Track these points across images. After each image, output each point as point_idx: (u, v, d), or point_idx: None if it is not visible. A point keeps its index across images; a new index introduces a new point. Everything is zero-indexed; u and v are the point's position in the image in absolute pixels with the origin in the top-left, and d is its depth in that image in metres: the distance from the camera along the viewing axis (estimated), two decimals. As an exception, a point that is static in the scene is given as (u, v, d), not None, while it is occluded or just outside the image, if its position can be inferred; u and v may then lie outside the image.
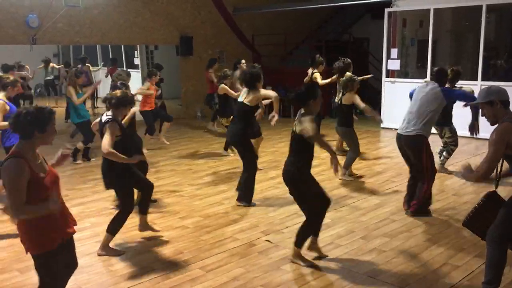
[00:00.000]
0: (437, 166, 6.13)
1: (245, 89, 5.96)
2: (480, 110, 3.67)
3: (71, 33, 11.19)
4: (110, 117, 4.55)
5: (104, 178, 4.65)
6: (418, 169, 5.41)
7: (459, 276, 4.13)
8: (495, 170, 3.56)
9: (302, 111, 4.25)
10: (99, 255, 4.59)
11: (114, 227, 4.63)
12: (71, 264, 3.30)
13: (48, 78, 14.63)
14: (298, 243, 4.36)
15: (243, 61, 10.05)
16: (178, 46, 13.21)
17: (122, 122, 5.02)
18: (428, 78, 10.31)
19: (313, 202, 4.31)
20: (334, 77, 8.65)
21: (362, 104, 6.81)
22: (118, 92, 4.73)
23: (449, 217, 5.55)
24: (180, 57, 13.35)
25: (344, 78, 7.17)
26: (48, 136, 3.01)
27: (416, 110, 5.35)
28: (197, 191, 6.68)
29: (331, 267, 4.35)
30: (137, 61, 16.91)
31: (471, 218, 3.74)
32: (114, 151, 4.34)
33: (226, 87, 8.39)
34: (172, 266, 4.38)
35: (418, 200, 5.51)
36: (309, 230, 4.38)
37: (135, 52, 16.86)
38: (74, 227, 3.25)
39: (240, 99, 5.97)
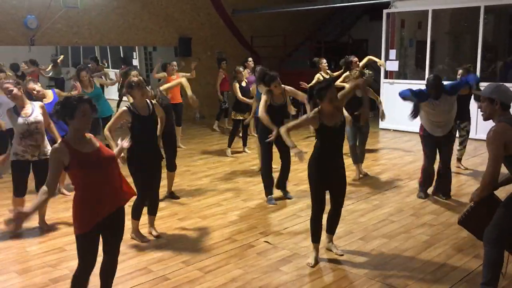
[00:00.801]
0: None
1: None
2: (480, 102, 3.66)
3: (70, 34, 11.19)
4: (126, 105, 4.81)
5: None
6: None
7: (458, 277, 4.13)
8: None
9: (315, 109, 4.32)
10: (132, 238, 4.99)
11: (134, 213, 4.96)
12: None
13: (56, 77, 14.46)
14: (311, 237, 4.48)
15: (250, 58, 10.04)
16: (177, 47, 13.22)
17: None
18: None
19: (311, 194, 4.41)
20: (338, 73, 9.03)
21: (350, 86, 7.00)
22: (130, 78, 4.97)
23: (447, 218, 5.55)
24: (178, 58, 13.34)
25: (353, 72, 7.25)
26: (78, 121, 3.20)
27: None
28: (195, 192, 6.68)
29: (329, 268, 4.35)
30: (135, 62, 16.90)
31: (467, 217, 3.74)
32: (108, 133, 4.74)
33: (237, 87, 8.52)
34: (171, 267, 4.38)
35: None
36: (311, 221, 4.45)
37: (134, 53, 16.85)
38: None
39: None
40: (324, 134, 4.29)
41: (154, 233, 5.11)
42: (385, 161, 8.46)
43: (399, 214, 5.70)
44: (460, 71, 7.17)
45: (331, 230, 4.66)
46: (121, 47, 16.53)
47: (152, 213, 5.14)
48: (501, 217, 3.51)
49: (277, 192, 6.31)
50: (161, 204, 6.12)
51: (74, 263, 4.46)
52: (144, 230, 5.11)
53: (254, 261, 4.49)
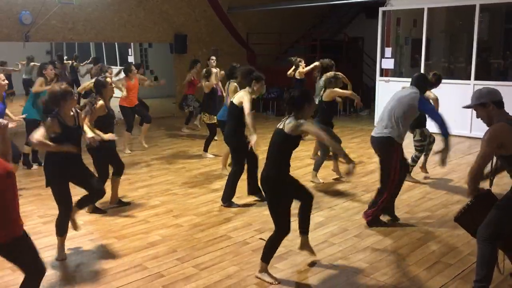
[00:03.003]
0: None
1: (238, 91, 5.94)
2: (475, 113, 3.66)
3: (65, 30, 11.15)
4: (53, 113, 4.34)
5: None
6: (384, 174, 5.11)
7: (452, 274, 4.15)
8: (489, 168, 3.58)
9: (291, 115, 3.95)
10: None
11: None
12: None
13: (26, 77, 13.77)
14: (265, 257, 4.08)
15: (213, 57, 9.71)
16: (172, 44, 13.19)
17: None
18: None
19: (283, 213, 3.99)
20: (316, 63, 8.86)
21: (346, 92, 6.91)
22: (55, 87, 4.40)
23: (441, 216, 5.58)
24: (174, 55, 13.33)
25: (328, 74, 7.04)
26: None
27: (388, 112, 5.07)
28: (190, 190, 6.67)
29: (324, 265, 4.36)
30: (131, 59, 16.85)
31: (463, 214, 3.76)
32: (42, 140, 4.15)
33: (209, 86, 8.48)
34: (166, 264, 4.37)
35: (374, 210, 5.21)
36: (277, 242, 4.05)
37: (129, 50, 16.81)
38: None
39: (231, 99, 5.93)
40: (295, 143, 3.96)
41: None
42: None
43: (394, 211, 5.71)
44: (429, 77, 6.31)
45: (306, 230, 4.38)
46: (116, 44, 16.51)
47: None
48: (496, 215, 3.53)
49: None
50: (156, 201, 6.14)
51: (68, 260, 4.47)
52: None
53: (249, 258, 4.49)
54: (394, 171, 5.02)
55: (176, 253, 4.62)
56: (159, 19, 12.67)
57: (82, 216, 5.60)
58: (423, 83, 5.30)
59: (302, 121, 3.86)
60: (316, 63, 8.84)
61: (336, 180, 7.05)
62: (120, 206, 5.90)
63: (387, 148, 5.03)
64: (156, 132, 10.87)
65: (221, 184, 6.89)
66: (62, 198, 4.40)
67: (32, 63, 13.75)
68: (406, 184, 6.78)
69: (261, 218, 5.56)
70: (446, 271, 4.21)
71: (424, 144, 6.74)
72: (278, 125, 4.00)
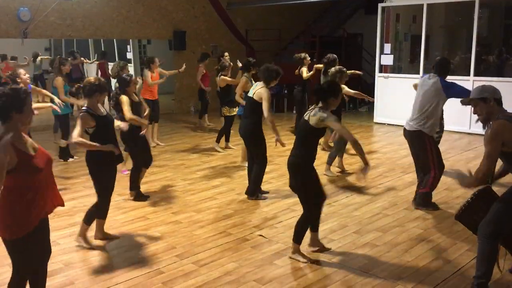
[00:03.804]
0: None
1: (255, 84, 5.97)
2: (472, 108, 3.65)
3: (63, 26, 11.11)
4: (84, 108, 4.49)
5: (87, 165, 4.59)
6: (425, 162, 5.45)
7: (451, 270, 4.15)
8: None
9: (320, 104, 4.18)
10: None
11: (89, 218, 4.69)
12: (45, 249, 3.23)
13: (36, 72, 14.03)
14: (297, 238, 4.35)
15: (226, 53, 10.07)
16: (171, 40, 13.16)
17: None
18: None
19: (310, 196, 4.30)
20: (313, 72, 9.21)
21: (351, 91, 6.94)
22: (91, 79, 4.62)
23: (441, 212, 5.58)
24: (173, 52, 13.30)
25: (333, 69, 7.01)
26: (26, 116, 2.97)
27: (417, 105, 5.43)
28: (190, 186, 6.67)
29: (324, 261, 4.36)
30: (129, 55, 16.80)
31: (463, 212, 3.76)
32: (81, 139, 4.30)
33: (226, 77, 8.43)
34: (165, 261, 4.37)
35: (426, 188, 5.51)
36: (306, 224, 4.35)
37: (128, 46, 16.75)
38: (59, 207, 3.20)
39: (250, 94, 5.97)
40: (320, 134, 4.26)
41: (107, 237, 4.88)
42: (379, 155, 8.48)
43: (393, 207, 5.72)
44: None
45: (315, 227, 4.59)
46: (115, 40, 16.46)
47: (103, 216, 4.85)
48: (498, 212, 3.52)
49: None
50: (155, 198, 6.13)
51: (68, 257, 4.47)
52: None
53: (249, 255, 4.49)
54: (432, 157, 5.37)
55: (175, 249, 4.62)
56: (158, 15, 12.64)
57: (81, 213, 5.58)
58: (443, 67, 5.42)
59: (325, 115, 4.07)
60: (316, 66, 9.17)
61: (339, 174, 7.09)
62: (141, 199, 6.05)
63: (419, 141, 5.40)
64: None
65: (220, 180, 6.89)
66: (108, 189, 4.63)
67: (39, 57, 14.03)
68: (406, 180, 6.80)
69: (260, 215, 5.56)
70: (446, 267, 4.21)
71: (441, 135, 6.94)
72: (305, 115, 4.21)
